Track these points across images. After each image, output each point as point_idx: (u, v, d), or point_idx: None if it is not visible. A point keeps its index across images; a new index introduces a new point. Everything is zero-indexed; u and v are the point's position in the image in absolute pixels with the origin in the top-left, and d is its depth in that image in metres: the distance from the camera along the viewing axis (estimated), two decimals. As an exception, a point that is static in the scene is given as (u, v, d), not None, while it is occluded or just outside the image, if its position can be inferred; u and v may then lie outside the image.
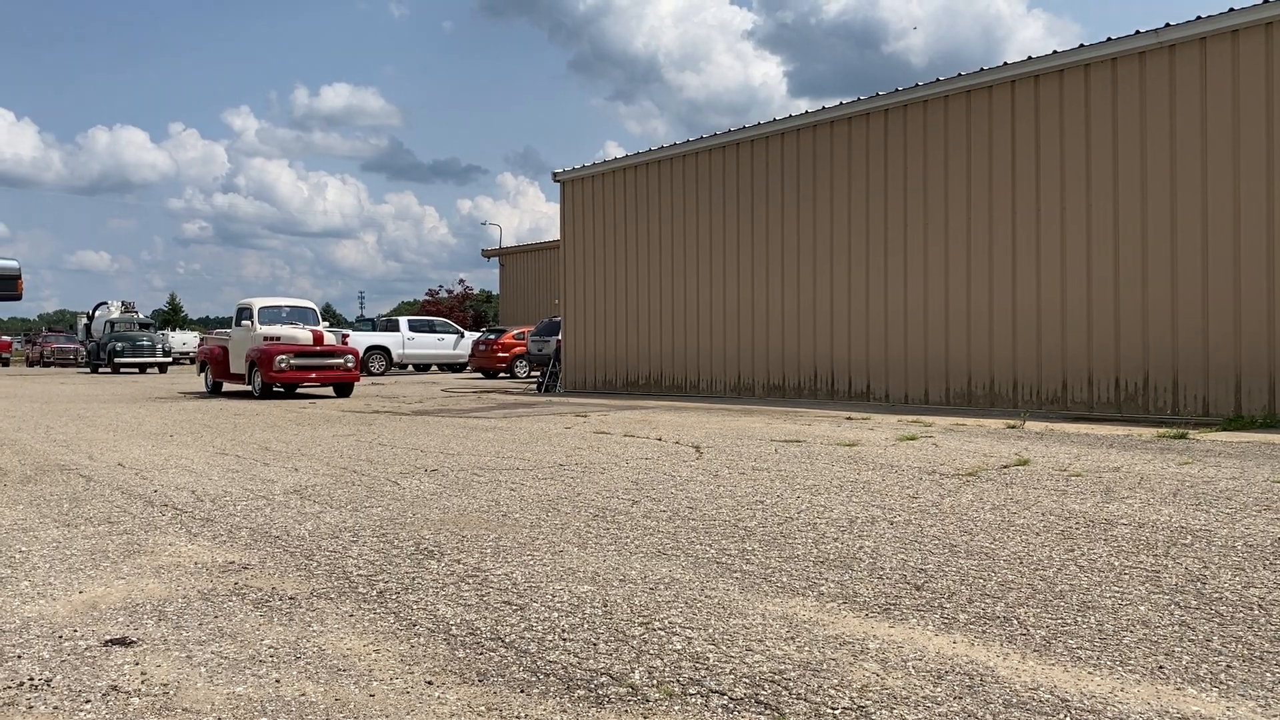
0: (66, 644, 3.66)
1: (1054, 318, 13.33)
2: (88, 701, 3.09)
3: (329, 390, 20.32)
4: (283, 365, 18.64)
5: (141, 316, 43.35)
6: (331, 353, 19.54)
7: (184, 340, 49.82)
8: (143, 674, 3.33)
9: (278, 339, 19.36)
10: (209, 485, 7.56)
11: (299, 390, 20.27)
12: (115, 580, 4.60)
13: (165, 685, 3.22)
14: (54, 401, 18.52)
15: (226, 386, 21.30)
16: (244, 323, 20.23)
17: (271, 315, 20.33)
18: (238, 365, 20.03)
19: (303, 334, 19.46)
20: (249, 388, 19.63)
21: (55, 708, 3.05)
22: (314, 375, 19.12)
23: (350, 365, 19.62)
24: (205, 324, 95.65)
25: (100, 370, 36.79)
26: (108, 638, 3.72)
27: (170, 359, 38.30)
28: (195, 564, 4.92)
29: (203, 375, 21.94)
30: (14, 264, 7.48)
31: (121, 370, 35.94)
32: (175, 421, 13.63)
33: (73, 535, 5.66)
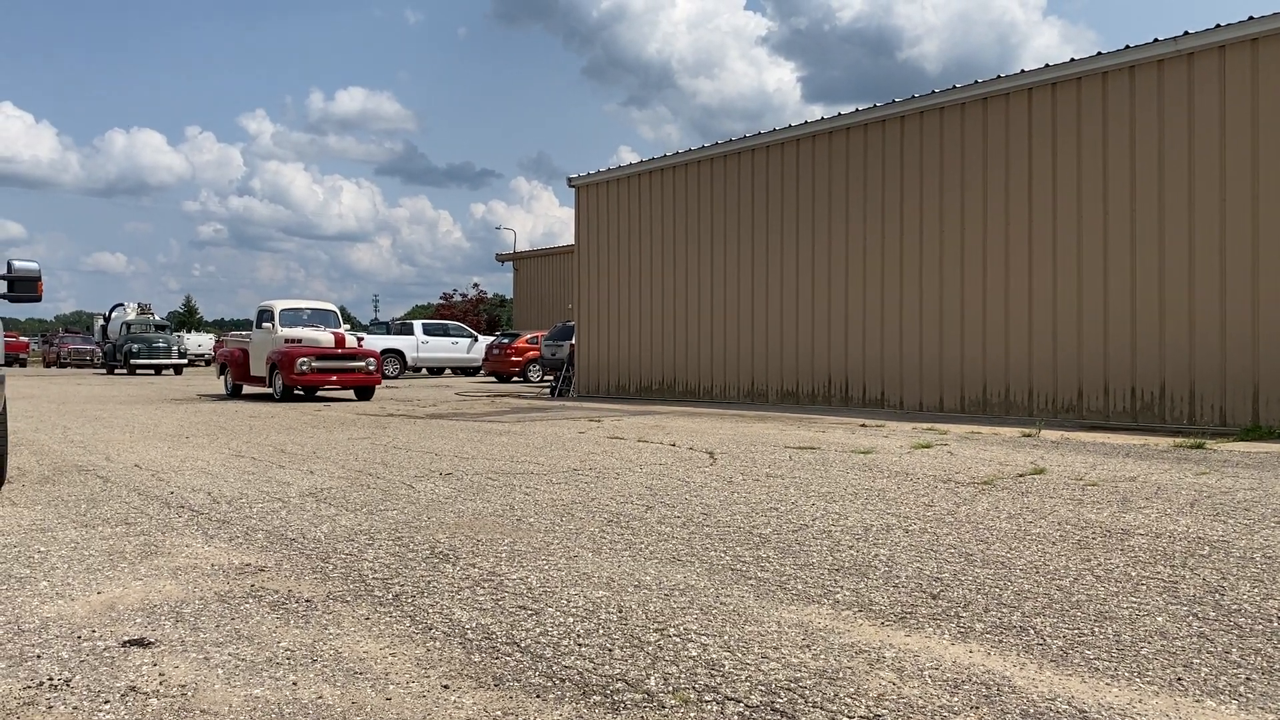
0: (85, 644, 3.68)
1: (1070, 326, 13.27)
2: (106, 702, 3.11)
3: (347, 394, 20.21)
4: (304, 368, 18.52)
5: (157, 318, 43.58)
6: (353, 355, 19.42)
7: (199, 342, 50.07)
8: (161, 675, 3.35)
9: (299, 341, 19.24)
10: (225, 487, 7.60)
11: (319, 393, 20.12)
12: (133, 581, 4.63)
13: (183, 686, 3.24)
14: (71, 402, 18.64)
15: (246, 389, 21.12)
16: (265, 325, 20.09)
17: (292, 318, 20.19)
18: (258, 368, 19.92)
19: (324, 336, 19.35)
20: (269, 390, 19.52)
21: (75, 708, 3.07)
22: (335, 378, 18.99)
23: (372, 368, 19.49)
24: (220, 326, 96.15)
25: (116, 371, 37.01)
26: (126, 638, 3.74)
27: (185, 361, 38.50)
28: (212, 566, 4.94)
29: (222, 378, 21.76)
30: (34, 265, 7.54)
31: (137, 372, 36.14)
32: (191, 423, 13.70)
33: (90, 536, 5.70)
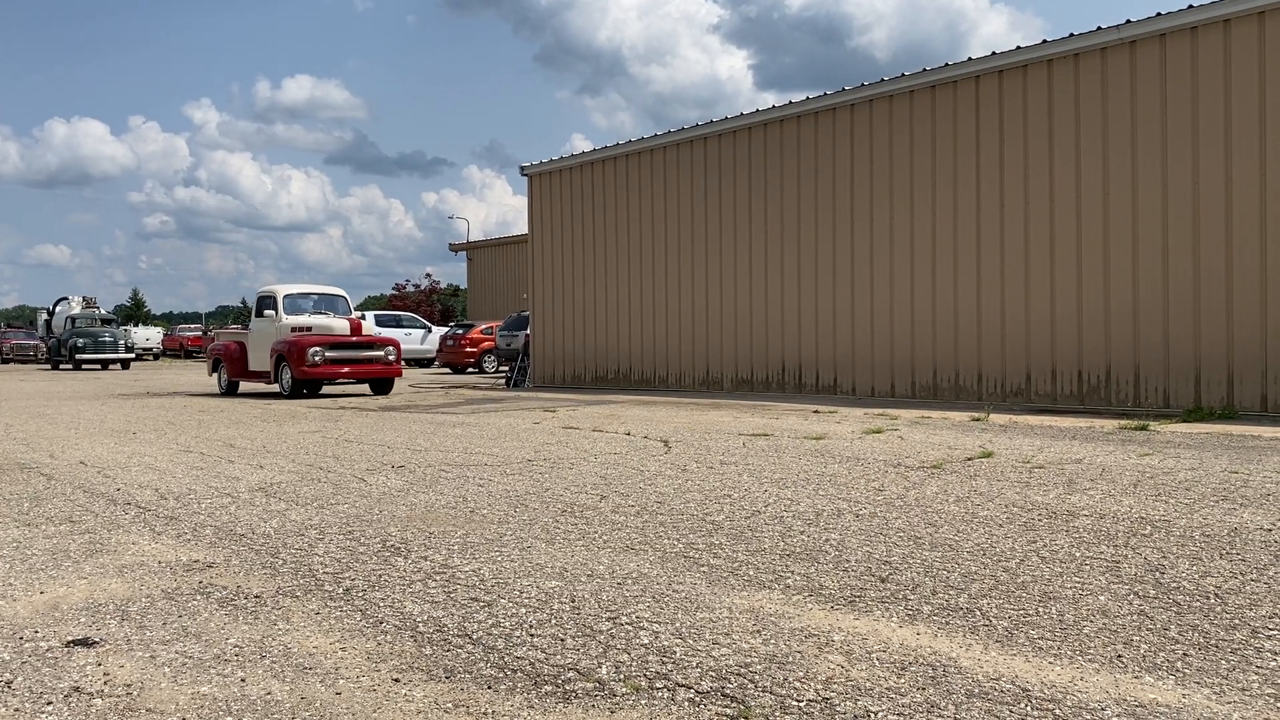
0: (27, 645, 3.61)
1: (1018, 311, 13.47)
2: (49, 703, 3.06)
3: (348, 390, 18.50)
4: (316, 359, 16.67)
5: (103, 312, 42.78)
6: (371, 344, 17.71)
7: (147, 336, 49.26)
8: (105, 675, 3.30)
9: (309, 330, 17.41)
10: (173, 483, 7.49)
11: (325, 389, 18.25)
12: (77, 580, 4.55)
13: (128, 686, 3.19)
14: (14, 399, 18.24)
15: (244, 386, 18.95)
16: (267, 313, 18.05)
17: (296, 304, 18.31)
18: (259, 362, 17.98)
19: (338, 323, 17.59)
20: (274, 387, 17.61)
21: (16, 709, 3.01)
22: (347, 369, 17.20)
23: (392, 358, 17.67)
24: (168, 319, 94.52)
25: (61, 367, 36.28)
26: (70, 638, 3.68)
27: (133, 355, 37.87)
28: (159, 563, 4.87)
29: (215, 375, 19.46)
30: None
31: (83, 367, 35.48)
32: (138, 419, 13.47)
33: (33, 535, 5.59)
